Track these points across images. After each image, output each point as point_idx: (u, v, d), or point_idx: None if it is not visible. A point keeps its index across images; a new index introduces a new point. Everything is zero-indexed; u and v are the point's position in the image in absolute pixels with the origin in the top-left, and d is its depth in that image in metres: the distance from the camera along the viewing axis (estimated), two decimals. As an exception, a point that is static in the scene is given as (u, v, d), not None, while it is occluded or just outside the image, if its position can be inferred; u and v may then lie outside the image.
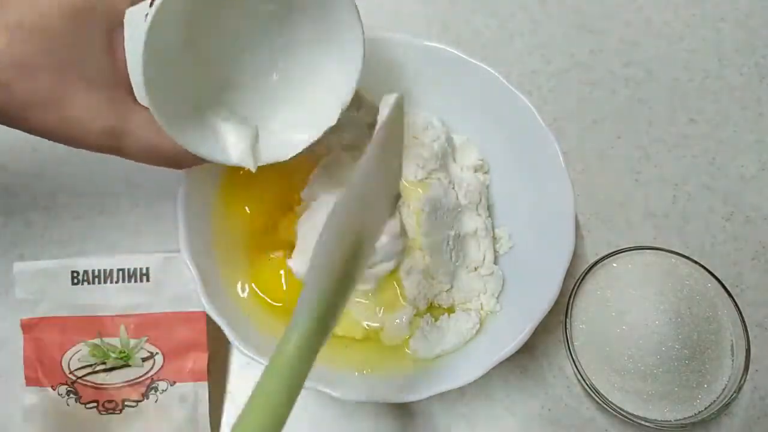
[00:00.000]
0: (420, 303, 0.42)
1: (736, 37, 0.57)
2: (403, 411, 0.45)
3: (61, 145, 0.52)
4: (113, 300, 0.43)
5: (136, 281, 0.43)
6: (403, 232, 0.42)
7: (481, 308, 0.43)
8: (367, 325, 0.42)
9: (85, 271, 0.43)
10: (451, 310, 0.44)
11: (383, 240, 0.40)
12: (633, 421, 0.41)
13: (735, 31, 0.58)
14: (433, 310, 0.43)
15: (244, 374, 0.46)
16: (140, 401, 0.43)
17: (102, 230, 0.49)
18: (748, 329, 0.43)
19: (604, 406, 0.42)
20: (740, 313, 0.43)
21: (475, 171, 0.47)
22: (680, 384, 0.42)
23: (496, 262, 0.45)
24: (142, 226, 0.49)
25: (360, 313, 0.42)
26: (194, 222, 0.41)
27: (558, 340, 0.47)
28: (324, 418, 0.45)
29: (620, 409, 0.41)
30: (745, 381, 0.42)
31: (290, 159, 0.37)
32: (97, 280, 0.43)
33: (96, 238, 0.49)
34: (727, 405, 0.41)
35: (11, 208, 0.50)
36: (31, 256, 0.44)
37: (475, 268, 0.44)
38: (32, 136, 0.53)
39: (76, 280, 0.43)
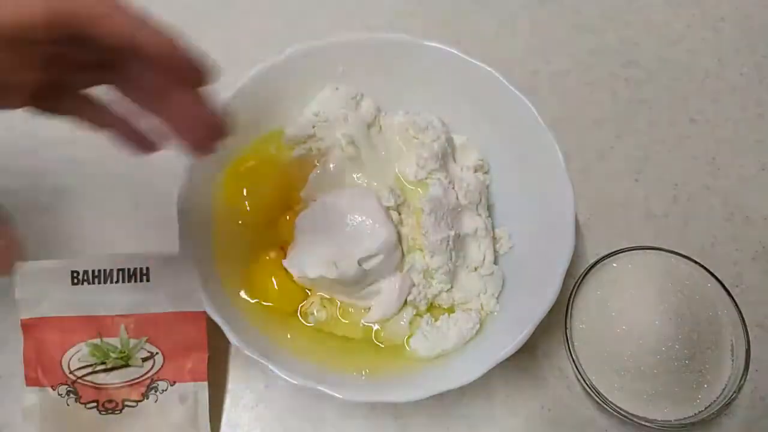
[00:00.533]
0: (420, 303, 0.42)
1: (736, 37, 0.57)
2: (403, 411, 0.45)
3: (62, 146, 0.52)
4: (113, 300, 0.43)
5: (136, 281, 0.43)
6: (398, 244, 0.42)
7: (481, 308, 0.43)
8: (367, 325, 0.42)
9: (85, 271, 0.43)
10: (451, 310, 0.44)
11: (380, 258, 0.40)
12: (633, 421, 0.41)
13: (735, 31, 0.58)
14: (433, 310, 0.43)
15: (244, 374, 0.46)
16: (140, 401, 0.43)
17: (102, 230, 0.49)
18: (748, 329, 0.43)
19: (604, 406, 0.42)
20: (740, 313, 0.43)
21: (475, 171, 0.47)
22: (680, 384, 0.42)
23: (496, 262, 0.45)
24: (142, 226, 0.49)
25: (360, 313, 0.42)
26: (194, 222, 0.41)
27: (558, 340, 0.47)
28: (324, 418, 0.45)
29: (620, 409, 0.41)
30: (745, 381, 0.42)
31: None
32: (97, 280, 0.43)
33: (96, 238, 0.49)
34: (727, 405, 0.41)
35: (11, 208, 0.50)
36: (31, 256, 0.44)
37: (475, 268, 0.44)
38: (31, 135, 0.53)
39: (76, 280, 0.43)
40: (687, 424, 0.41)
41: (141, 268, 0.43)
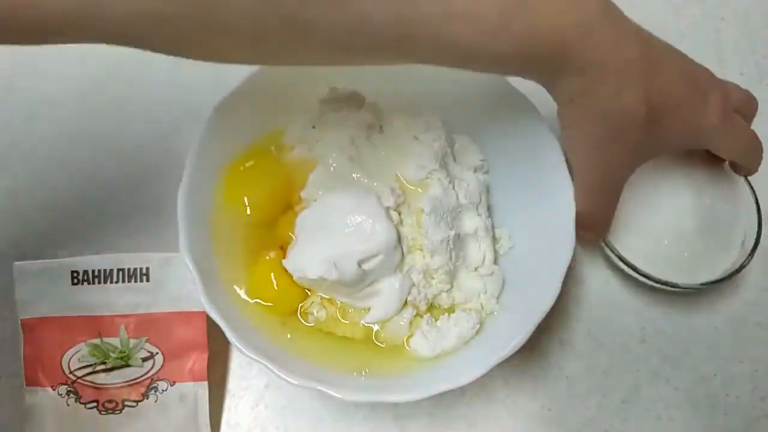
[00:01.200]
0: (420, 303, 0.42)
1: (736, 37, 0.57)
2: (403, 411, 0.45)
3: (61, 145, 0.52)
4: (113, 300, 0.43)
5: (136, 281, 0.43)
6: (398, 244, 0.42)
7: (481, 308, 0.43)
8: (367, 325, 0.42)
9: (85, 271, 0.43)
10: (451, 310, 0.44)
11: (379, 258, 0.40)
12: (655, 283, 0.44)
13: (735, 31, 0.58)
14: (433, 310, 0.43)
15: (244, 374, 0.46)
16: (140, 401, 0.43)
17: (102, 230, 0.49)
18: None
19: (628, 271, 0.45)
20: (754, 193, 0.46)
21: (475, 171, 0.47)
22: (699, 253, 0.45)
23: (496, 262, 0.45)
24: (142, 226, 0.49)
25: (360, 313, 0.42)
26: (194, 222, 0.41)
27: (558, 340, 0.47)
28: (324, 418, 0.45)
29: (645, 273, 0.44)
30: (756, 249, 0.44)
31: None
32: (97, 280, 0.43)
33: (96, 238, 0.49)
34: (739, 270, 0.44)
35: (11, 208, 0.50)
36: (31, 256, 0.44)
37: (475, 268, 0.44)
38: (31, 136, 0.53)
39: (76, 280, 0.43)
40: (704, 284, 0.44)
41: (141, 268, 0.43)
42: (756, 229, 0.45)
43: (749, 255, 0.44)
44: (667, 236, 0.46)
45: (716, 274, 0.45)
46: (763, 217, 0.45)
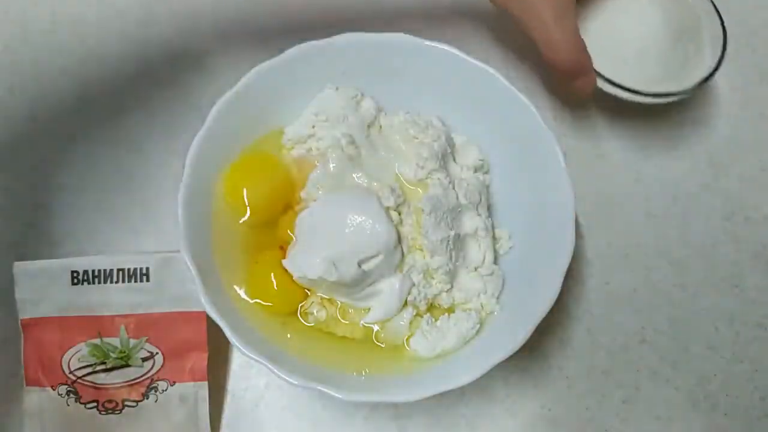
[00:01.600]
0: (420, 303, 0.42)
1: (736, 37, 0.57)
2: (403, 411, 0.45)
3: (61, 145, 0.52)
4: (113, 300, 0.43)
5: (136, 281, 0.43)
6: (398, 244, 0.42)
7: (481, 308, 0.43)
8: (367, 325, 0.42)
9: (85, 271, 0.43)
10: (451, 310, 0.44)
11: (379, 258, 0.40)
12: (645, 97, 0.48)
13: (735, 31, 0.58)
14: (433, 310, 0.43)
15: (244, 374, 0.46)
16: (140, 401, 0.43)
17: (102, 230, 0.49)
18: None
19: (616, 92, 0.49)
20: (718, 13, 0.50)
21: (475, 171, 0.47)
22: (671, 65, 0.49)
23: (496, 262, 0.45)
24: (142, 226, 0.49)
25: (360, 313, 0.42)
26: (194, 222, 0.41)
27: (558, 339, 0.47)
28: (324, 418, 0.45)
29: (620, 85, 0.48)
30: (722, 61, 0.48)
31: None
32: (97, 280, 0.43)
33: (96, 238, 0.49)
34: (706, 79, 0.48)
35: (11, 208, 0.50)
36: (31, 256, 0.44)
37: (475, 268, 0.44)
38: (31, 136, 0.53)
39: (76, 280, 0.43)
40: (674, 94, 0.48)
41: (141, 268, 0.43)
42: (721, 37, 0.49)
43: (720, 58, 0.49)
44: (645, 52, 0.49)
45: (694, 81, 0.49)
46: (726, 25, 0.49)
